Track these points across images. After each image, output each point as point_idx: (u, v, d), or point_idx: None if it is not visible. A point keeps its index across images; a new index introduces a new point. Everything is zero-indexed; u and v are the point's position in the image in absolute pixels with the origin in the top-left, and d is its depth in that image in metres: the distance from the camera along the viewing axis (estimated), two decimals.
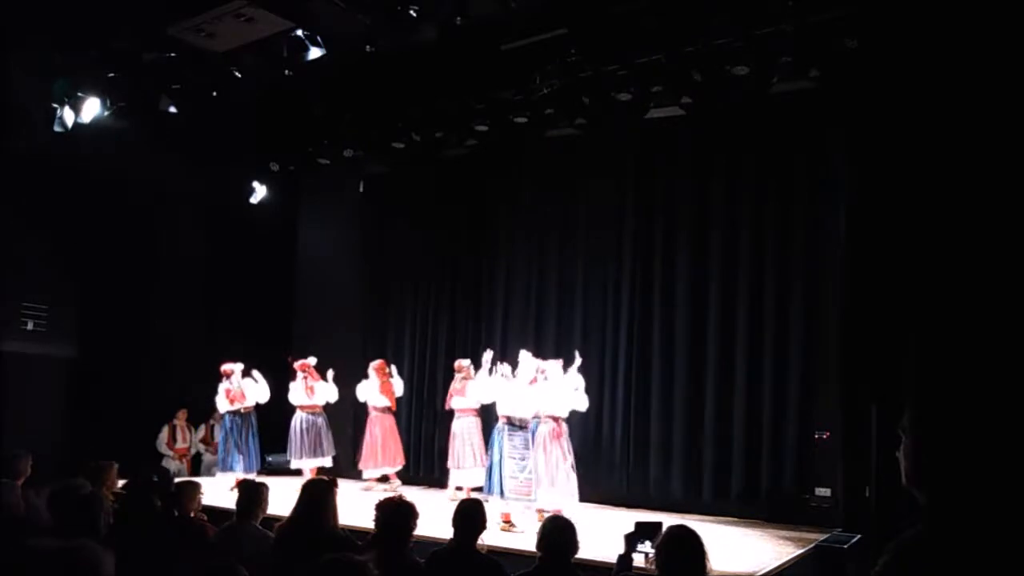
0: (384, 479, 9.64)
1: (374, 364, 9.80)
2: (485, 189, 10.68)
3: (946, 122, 6.12)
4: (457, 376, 8.92)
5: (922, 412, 1.69)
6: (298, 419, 9.67)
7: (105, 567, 2.57)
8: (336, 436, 9.98)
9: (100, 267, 9.91)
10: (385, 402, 9.71)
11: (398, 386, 9.88)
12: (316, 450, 9.57)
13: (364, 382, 9.74)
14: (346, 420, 10.59)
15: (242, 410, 9.52)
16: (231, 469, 9.33)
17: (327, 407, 9.79)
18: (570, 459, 7.58)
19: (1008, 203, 5.83)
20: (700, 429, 8.74)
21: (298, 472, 9.53)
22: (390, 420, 9.76)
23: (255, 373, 9.66)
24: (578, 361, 7.95)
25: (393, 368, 9.96)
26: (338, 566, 2.49)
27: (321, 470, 9.43)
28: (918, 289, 6.22)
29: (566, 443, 7.60)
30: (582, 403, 7.84)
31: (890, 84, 6.70)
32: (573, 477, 7.49)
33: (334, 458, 9.89)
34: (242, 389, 9.54)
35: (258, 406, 9.73)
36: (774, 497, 8.20)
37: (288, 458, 9.67)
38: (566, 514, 7.29)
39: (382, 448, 9.56)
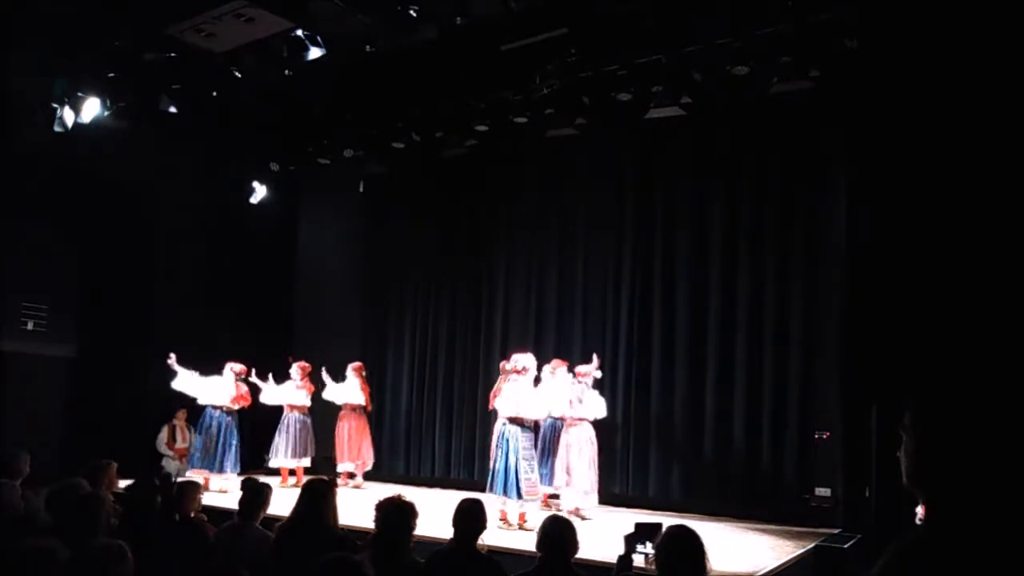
0: (351, 475, 9.91)
1: (353, 365, 10.01)
2: (485, 189, 10.68)
3: (946, 122, 6.12)
4: (500, 378, 8.89)
5: (923, 412, 1.69)
6: (291, 419, 9.81)
7: (124, 567, 2.60)
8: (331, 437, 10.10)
9: (100, 267, 9.91)
10: (362, 400, 9.98)
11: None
12: (305, 450, 9.79)
13: (337, 384, 9.96)
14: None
15: (225, 408, 9.54)
16: (215, 469, 9.34)
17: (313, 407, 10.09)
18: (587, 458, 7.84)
19: (1009, 203, 5.83)
20: (700, 429, 8.74)
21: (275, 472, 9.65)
22: (363, 419, 10.06)
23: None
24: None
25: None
26: (335, 565, 2.50)
27: (306, 470, 9.66)
28: (919, 289, 6.22)
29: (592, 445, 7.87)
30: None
31: (890, 84, 6.70)
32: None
33: (330, 458, 10.01)
34: (248, 391, 9.61)
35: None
36: (774, 497, 8.20)
37: (273, 456, 9.75)
38: (587, 514, 7.54)
39: (357, 445, 9.88)
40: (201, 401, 9.59)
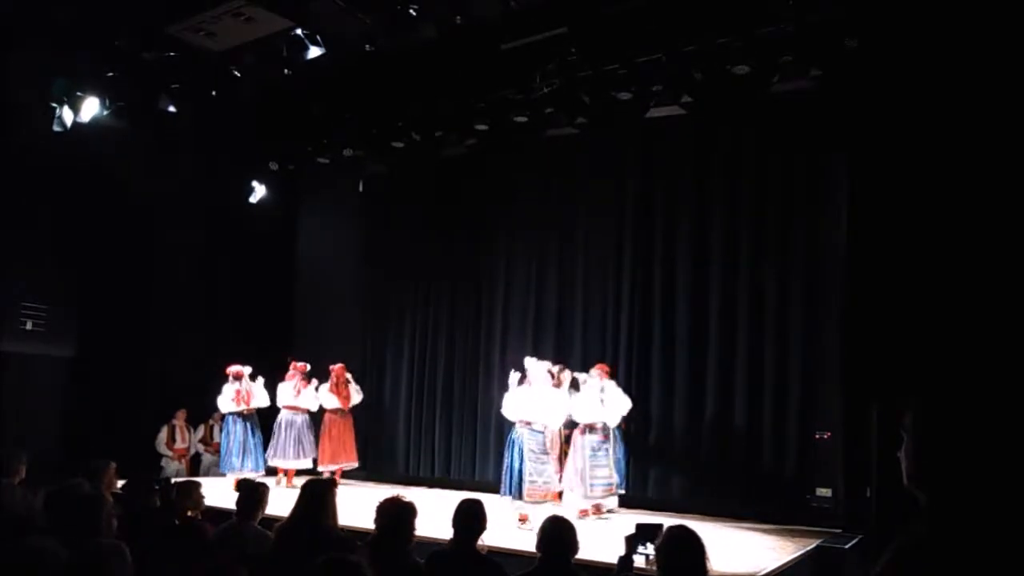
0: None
1: (333, 368, 10.01)
2: (485, 189, 10.67)
3: (947, 121, 6.11)
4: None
5: (923, 412, 1.68)
6: (285, 419, 9.82)
7: (123, 567, 2.59)
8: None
9: (99, 267, 9.90)
10: (335, 403, 9.92)
11: (355, 394, 10.09)
12: (299, 451, 9.76)
13: (322, 385, 10.02)
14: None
15: (245, 411, 9.58)
16: (235, 469, 9.38)
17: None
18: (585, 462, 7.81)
19: (1009, 202, 5.83)
20: (700, 429, 8.73)
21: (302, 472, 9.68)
22: (341, 421, 9.98)
23: (258, 379, 9.79)
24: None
25: (349, 375, 10.11)
26: (333, 566, 2.50)
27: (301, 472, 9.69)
28: (919, 289, 6.22)
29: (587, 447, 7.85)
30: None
31: (890, 83, 6.70)
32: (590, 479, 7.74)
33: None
34: (250, 391, 9.61)
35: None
36: (774, 497, 8.18)
37: (271, 456, 9.77)
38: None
39: (335, 447, 9.85)
40: (225, 411, 9.71)
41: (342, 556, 2.57)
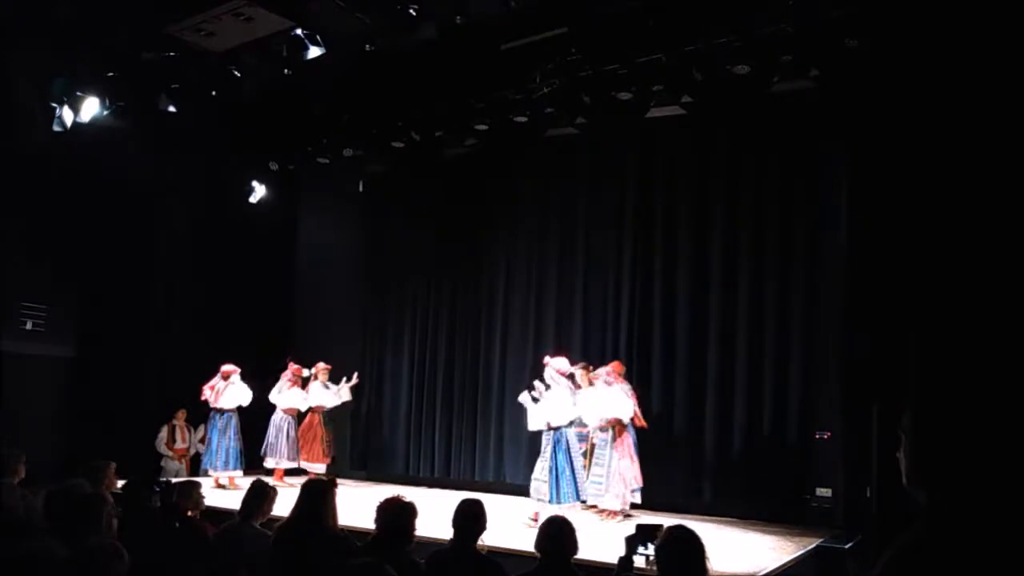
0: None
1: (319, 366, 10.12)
2: (485, 189, 10.67)
3: (947, 121, 6.11)
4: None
5: (922, 412, 1.68)
6: (284, 420, 9.86)
7: (119, 567, 2.59)
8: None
9: (99, 267, 9.90)
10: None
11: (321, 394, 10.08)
12: (291, 452, 9.84)
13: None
14: (343, 421, 10.69)
15: (218, 408, 9.64)
16: (212, 467, 9.48)
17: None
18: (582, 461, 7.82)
19: (1009, 203, 5.82)
20: (701, 429, 8.72)
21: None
22: (309, 422, 10.07)
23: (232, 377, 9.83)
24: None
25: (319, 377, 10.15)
26: (366, 571, 2.47)
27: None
28: (919, 289, 6.21)
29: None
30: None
31: (891, 83, 6.70)
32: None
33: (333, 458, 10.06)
34: (219, 391, 9.63)
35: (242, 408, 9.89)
36: (774, 497, 8.18)
37: (272, 456, 9.79)
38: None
39: (295, 444, 9.92)
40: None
41: (375, 562, 2.54)
